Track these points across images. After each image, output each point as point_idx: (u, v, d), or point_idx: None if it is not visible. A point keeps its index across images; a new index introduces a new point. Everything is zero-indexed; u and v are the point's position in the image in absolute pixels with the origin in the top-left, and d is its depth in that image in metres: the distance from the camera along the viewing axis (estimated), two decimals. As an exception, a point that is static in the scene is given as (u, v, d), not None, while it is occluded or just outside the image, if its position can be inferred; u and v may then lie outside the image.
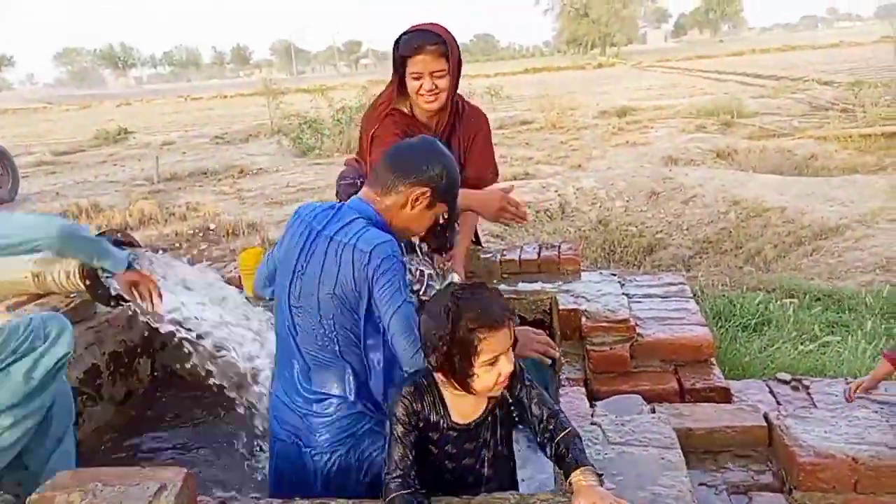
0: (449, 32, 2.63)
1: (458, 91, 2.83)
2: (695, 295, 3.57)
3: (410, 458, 1.49)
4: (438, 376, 1.53)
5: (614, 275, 3.08)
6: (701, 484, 1.84)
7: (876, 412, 2.04)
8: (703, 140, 11.26)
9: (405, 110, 2.80)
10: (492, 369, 1.47)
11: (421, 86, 2.60)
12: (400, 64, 2.62)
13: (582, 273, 3.12)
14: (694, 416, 2.04)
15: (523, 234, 7.26)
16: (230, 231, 7.09)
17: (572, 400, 1.98)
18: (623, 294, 2.80)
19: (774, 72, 23.25)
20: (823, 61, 27.61)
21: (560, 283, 2.97)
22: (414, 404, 1.55)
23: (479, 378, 1.48)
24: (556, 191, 8.10)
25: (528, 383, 1.57)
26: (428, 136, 2.07)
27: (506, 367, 1.49)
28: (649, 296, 2.88)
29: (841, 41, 39.76)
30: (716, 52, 45.94)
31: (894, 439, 1.79)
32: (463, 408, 1.58)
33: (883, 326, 3.55)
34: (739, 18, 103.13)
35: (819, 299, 4.26)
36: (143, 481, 1.41)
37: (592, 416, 1.85)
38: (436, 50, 2.55)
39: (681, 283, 3.02)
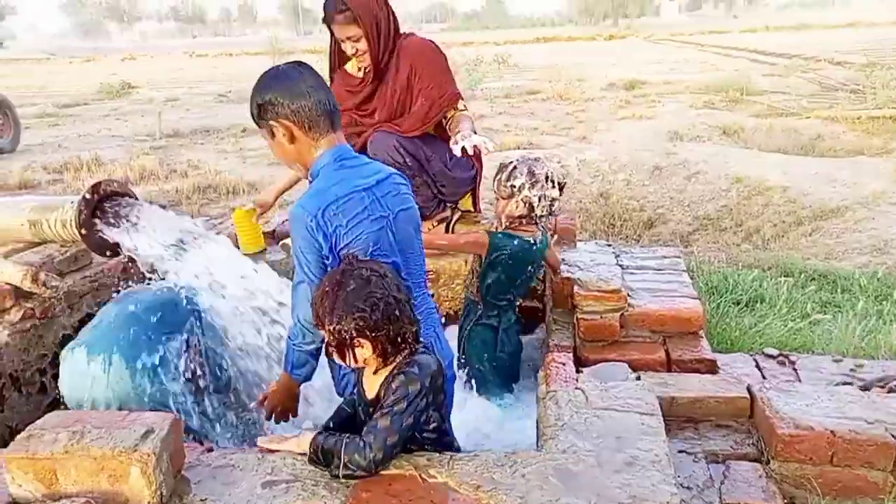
0: None
1: (426, 35, 2.99)
2: (690, 270, 3.58)
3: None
4: None
5: (609, 245, 3.09)
6: (680, 451, 1.86)
7: (856, 392, 2.06)
8: (711, 116, 11.15)
9: (347, 67, 2.95)
10: None
11: (346, 49, 2.75)
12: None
13: (578, 243, 3.13)
14: (678, 385, 2.06)
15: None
16: (231, 189, 7.08)
17: (558, 367, 2.00)
18: (617, 265, 2.81)
19: (787, 50, 22.92)
20: (838, 41, 27.18)
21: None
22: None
23: None
24: (559, 162, 8.05)
25: (394, 400, 1.49)
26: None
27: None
28: (643, 268, 2.89)
29: (857, 21, 39.09)
30: (729, 28, 45.27)
31: (873, 415, 1.81)
32: (369, 384, 1.62)
33: (875, 307, 3.56)
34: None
35: (814, 279, 4.26)
36: (130, 425, 1.44)
37: (577, 381, 1.87)
38: (343, 18, 2.64)
39: (675, 257, 3.03)
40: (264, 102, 1.76)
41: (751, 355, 2.57)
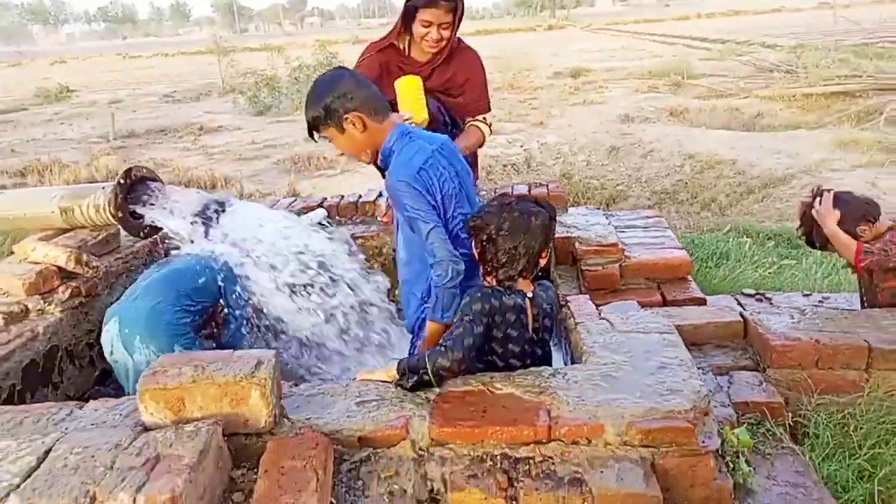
0: None
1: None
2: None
3: None
4: None
5: (599, 209, 3.40)
6: (691, 367, 2.17)
7: (833, 310, 2.42)
8: (656, 99, 11.70)
9: (401, 46, 3.05)
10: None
11: (428, 33, 2.86)
12: (412, 9, 2.85)
13: (569, 208, 3.43)
14: (681, 316, 2.38)
15: (492, 186, 7.56)
16: (207, 184, 7.15)
17: (580, 304, 2.28)
18: (610, 225, 3.12)
19: (721, 35, 23.90)
20: (767, 25, 28.46)
21: (552, 215, 3.26)
22: None
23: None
24: (522, 146, 8.39)
25: (462, 314, 1.82)
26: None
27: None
28: (631, 227, 3.21)
29: (783, 7, 40.96)
30: (663, 16, 46.71)
31: (848, 327, 2.16)
32: None
33: (829, 258, 3.99)
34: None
35: (770, 238, 4.71)
36: (239, 359, 1.65)
37: (600, 314, 2.16)
38: (447, 5, 2.80)
39: (657, 217, 3.37)
40: (330, 104, 1.98)
41: (732, 295, 2.91)
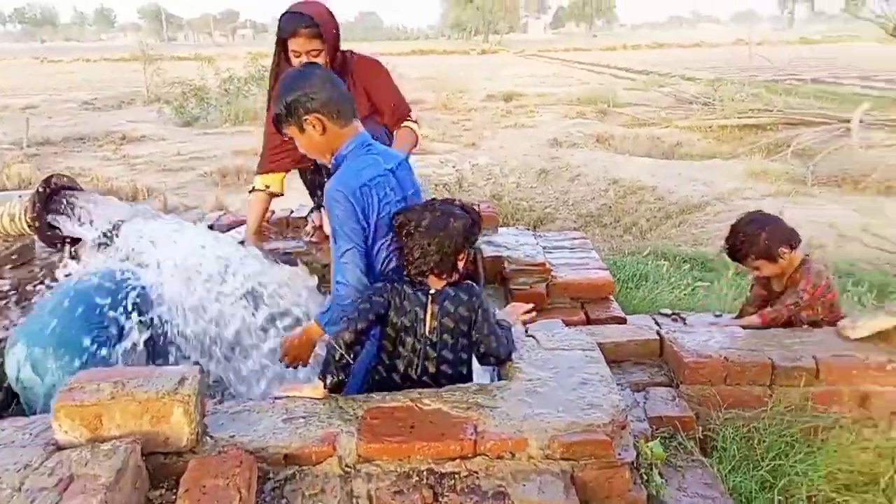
0: (324, 10, 2.75)
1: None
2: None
3: None
4: None
5: (528, 230, 3.50)
6: (610, 384, 2.26)
7: (740, 329, 2.57)
8: (584, 125, 12.10)
9: None
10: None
11: (300, 62, 2.71)
12: (280, 43, 2.76)
13: (499, 228, 3.51)
14: (603, 334, 2.48)
15: (423, 205, 7.62)
16: (129, 196, 6.91)
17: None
18: (538, 245, 3.21)
19: (644, 67, 25.00)
20: (688, 59, 29.97)
21: (482, 235, 3.33)
22: None
23: None
24: (454, 166, 8.51)
25: None
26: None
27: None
28: (558, 247, 3.32)
29: (702, 42, 43.25)
30: (591, 46, 48.51)
31: (755, 345, 2.31)
32: None
33: (738, 281, 4.23)
34: (612, 14, 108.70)
35: (686, 261, 4.95)
36: (162, 374, 1.62)
37: (527, 331, 2.22)
38: (309, 32, 2.68)
39: (583, 238, 3.50)
40: (293, 101, 1.93)
41: (650, 315, 3.05)
